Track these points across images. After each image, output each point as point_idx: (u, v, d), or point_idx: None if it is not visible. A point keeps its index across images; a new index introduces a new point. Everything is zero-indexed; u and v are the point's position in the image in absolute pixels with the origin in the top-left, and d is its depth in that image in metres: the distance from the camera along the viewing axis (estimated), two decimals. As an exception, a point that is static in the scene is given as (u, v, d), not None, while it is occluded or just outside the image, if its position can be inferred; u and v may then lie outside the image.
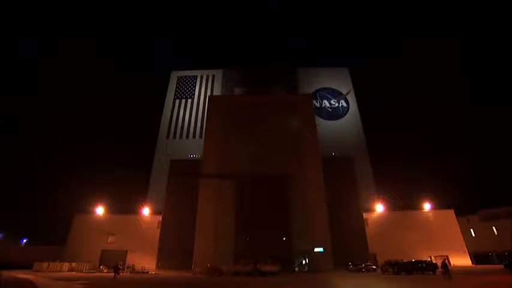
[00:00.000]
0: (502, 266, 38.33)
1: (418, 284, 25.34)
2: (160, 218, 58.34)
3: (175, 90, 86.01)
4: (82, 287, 24.63)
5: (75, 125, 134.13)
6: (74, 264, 49.48)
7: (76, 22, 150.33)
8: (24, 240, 70.38)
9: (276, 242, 49.38)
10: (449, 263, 48.82)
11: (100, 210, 60.84)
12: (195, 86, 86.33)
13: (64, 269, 47.94)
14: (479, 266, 49.73)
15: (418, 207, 60.21)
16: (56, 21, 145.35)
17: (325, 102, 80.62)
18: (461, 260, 53.20)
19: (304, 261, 46.64)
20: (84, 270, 48.48)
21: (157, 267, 53.01)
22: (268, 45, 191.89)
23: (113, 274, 34.33)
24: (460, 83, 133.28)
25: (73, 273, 44.87)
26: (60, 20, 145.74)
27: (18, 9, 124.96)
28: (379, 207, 59.99)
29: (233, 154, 55.24)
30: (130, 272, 45.47)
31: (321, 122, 74.21)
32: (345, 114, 78.72)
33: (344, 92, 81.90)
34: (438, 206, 60.29)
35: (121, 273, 37.95)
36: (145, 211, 61.09)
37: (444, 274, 26.56)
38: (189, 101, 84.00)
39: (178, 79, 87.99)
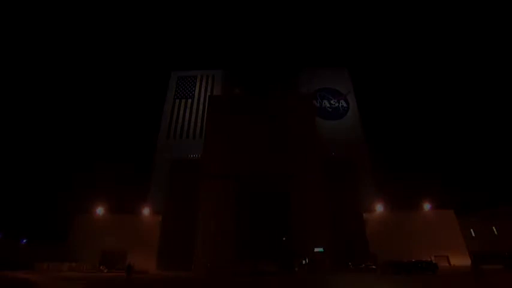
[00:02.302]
0: (502, 266, 38.30)
1: (419, 284, 25.31)
2: (160, 218, 58.32)
3: (175, 90, 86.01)
4: (82, 287, 24.66)
5: (75, 125, 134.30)
6: (74, 265, 49.44)
7: (76, 22, 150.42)
8: (24, 240, 70.41)
9: (276, 242, 49.39)
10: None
11: (100, 210, 60.83)
12: (195, 86, 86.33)
13: (64, 269, 47.91)
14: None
15: (418, 207, 60.21)
16: (56, 20, 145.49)
17: (325, 102, 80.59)
18: (461, 260, 53.18)
19: (304, 261, 46.61)
20: (84, 270, 48.43)
21: (157, 267, 52.97)
22: (268, 45, 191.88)
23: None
24: (461, 83, 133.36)
25: (73, 273, 44.81)
26: (60, 19, 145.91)
27: (16, 5, 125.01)
28: (379, 207, 59.98)
29: (233, 154, 55.24)
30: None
31: (321, 122, 74.20)
32: (345, 114, 78.67)
33: (344, 92, 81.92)
34: (438, 206, 60.28)
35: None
36: (145, 211, 61.09)
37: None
38: (189, 101, 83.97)
39: (178, 79, 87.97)
